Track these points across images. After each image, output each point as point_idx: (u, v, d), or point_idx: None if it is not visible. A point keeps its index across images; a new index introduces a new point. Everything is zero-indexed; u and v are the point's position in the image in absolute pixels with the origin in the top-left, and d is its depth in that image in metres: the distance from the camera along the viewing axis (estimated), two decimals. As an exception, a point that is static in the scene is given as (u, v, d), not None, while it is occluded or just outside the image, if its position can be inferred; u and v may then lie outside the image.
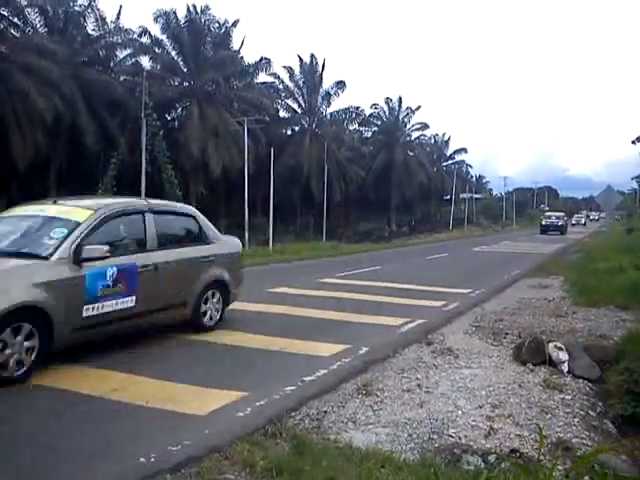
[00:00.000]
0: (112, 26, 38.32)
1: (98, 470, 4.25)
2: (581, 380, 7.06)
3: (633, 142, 23.81)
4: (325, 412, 5.61)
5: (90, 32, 37.75)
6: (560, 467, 4.45)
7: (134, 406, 5.55)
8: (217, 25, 41.80)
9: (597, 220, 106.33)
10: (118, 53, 39.33)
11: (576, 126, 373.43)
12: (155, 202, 8.92)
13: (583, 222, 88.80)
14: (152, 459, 4.38)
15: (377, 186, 60.85)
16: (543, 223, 54.36)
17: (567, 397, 6.40)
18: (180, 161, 34.11)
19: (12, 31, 33.76)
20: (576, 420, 5.79)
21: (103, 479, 4.13)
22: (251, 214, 38.09)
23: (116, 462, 4.37)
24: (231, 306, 10.42)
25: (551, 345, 7.54)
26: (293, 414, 5.49)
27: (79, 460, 4.42)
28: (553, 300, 12.58)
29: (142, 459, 4.37)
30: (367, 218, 65.16)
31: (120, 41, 38.32)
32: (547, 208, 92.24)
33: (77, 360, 7.03)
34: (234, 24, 42.08)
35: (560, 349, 7.46)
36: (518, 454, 4.84)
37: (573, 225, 75.71)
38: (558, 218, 54.92)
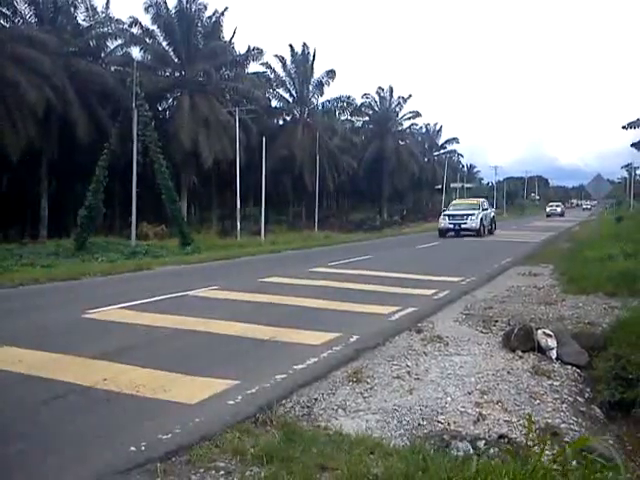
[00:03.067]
0: (102, 16, 38.01)
1: (89, 459, 4.27)
2: (569, 366, 7.11)
3: (624, 127, 23.63)
4: (315, 400, 5.64)
5: (80, 22, 37.44)
6: (548, 452, 4.48)
7: (125, 395, 5.56)
8: (207, 14, 41.49)
9: (562, 214, 72.37)
10: (109, 43, 38.99)
11: (566, 116, 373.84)
12: None
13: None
14: (142, 448, 4.40)
15: (369, 176, 60.79)
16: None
17: (555, 383, 6.45)
18: (171, 152, 33.86)
19: (1, 21, 33.50)
20: (564, 406, 5.82)
21: (94, 468, 4.12)
22: (243, 204, 38.02)
23: (106, 451, 4.38)
24: (220, 295, 10.35)
25: (540, 332, 7.58)
26: (283, 402, 5.51)
27: (69, 450, 4.44)
28: (543, 288, 12.63)
29: (132, 448, 4.38)
30: (359, 208, 65.34)
31: (110, 31, 37.97)
32: (538, 197, 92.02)
33: (68, 350, 7.05)
34: (222, 13, 41.76)
35: (549, 336, 7.51)
36: (507, 440, 4.87)
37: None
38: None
